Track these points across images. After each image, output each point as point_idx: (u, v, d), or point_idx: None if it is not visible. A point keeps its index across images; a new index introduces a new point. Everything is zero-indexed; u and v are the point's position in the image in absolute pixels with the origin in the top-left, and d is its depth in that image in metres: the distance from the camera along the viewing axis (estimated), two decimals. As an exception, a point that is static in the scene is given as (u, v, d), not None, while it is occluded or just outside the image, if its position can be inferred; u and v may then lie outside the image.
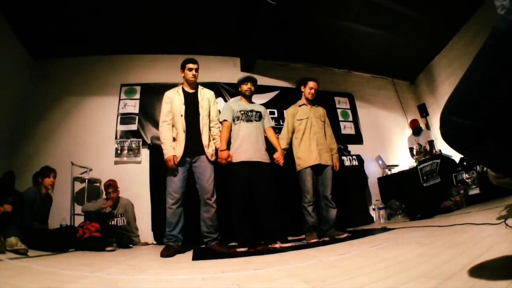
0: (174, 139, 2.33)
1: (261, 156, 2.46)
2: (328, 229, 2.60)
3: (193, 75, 2.41)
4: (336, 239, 2.40)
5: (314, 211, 2.58)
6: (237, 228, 2.32)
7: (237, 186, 2.36)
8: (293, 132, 2.80)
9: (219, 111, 2.64)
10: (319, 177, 2.69)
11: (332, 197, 2.65)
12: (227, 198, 2.47)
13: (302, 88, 2.89)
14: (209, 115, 2.47)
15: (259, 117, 2.60)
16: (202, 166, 2.33)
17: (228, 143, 2.49)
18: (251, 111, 2.58)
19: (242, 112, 2.54)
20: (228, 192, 2.40)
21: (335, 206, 2.65)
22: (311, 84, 2.83)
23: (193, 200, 2.37)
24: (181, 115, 2.33)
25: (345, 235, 2.47)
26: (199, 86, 2.52)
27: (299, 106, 2.86)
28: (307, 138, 2.71)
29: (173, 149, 2.27)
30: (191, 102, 2.40)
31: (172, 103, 2.37)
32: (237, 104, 2.63)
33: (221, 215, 2.42)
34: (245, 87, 2.61)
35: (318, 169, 2.66)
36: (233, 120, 2.54)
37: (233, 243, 2.54)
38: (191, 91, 2.46)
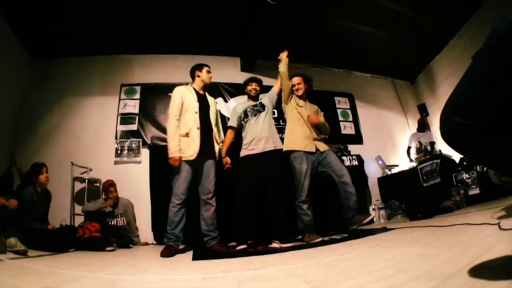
0: (186, 134, 2.27)
1: (273, 143, 2.48)
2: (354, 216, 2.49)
3: (210, 77, 2.51)
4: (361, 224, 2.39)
5: (309, 208, 2.50)
6: (240, 225, 2.31)
7: (246, 184, 2.36)
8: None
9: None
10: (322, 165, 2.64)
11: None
12: (227, 197, 2.48)
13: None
14: (216, 121, 2.52)
15: (263, 107, 2.62)
16: (207, 168, 2.34)
17: (235, 146, 2.57)
18: (255, 105, 2.61)
19: (249, 108, 2.59)
20: (235, 189, 2.40)
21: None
22: (294, 80, 2.80)
23: (192, 200, 2.36)
24: (196, 112, 2.32)
25: (369, 217, 2.44)
26: (206, 92, 2.57)
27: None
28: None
29: (179, 149, 2.22)
30: (203, 104, 2.43)
31: (185, 99, 2.35)
32: (242, 105, 2.67)
33: (221, 215, 2.42)
34: (249, 87, 2.66)
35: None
36: (242, 119, 2.59)
37: (233, 243, 2.54)
38: (201, 92, 2.49)
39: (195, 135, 2.26)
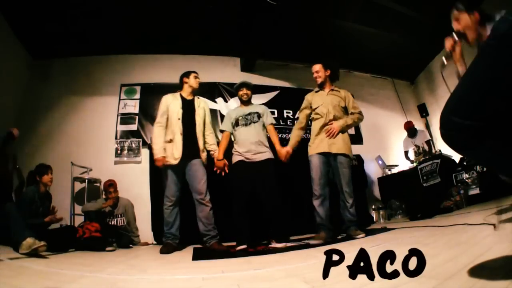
0: (170, 141, 2.41)
1: (262, 155, 2.47)
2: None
3: (198, 82, 2.61)
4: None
5: (321, 205, 2.39)
6: (237, 227, 2.32)
7: (239, 185, 2.37)
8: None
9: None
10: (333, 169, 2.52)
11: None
12: (225, 198, 2.49)
13: None
14: (204, 123, 2.58)
15: (258, 117, 2.58)
16: (193, 169, 2.42)
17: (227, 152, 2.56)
18: (249, 114, 2.58)
19: (240, 117, 2.58)
20: (230, 191, 2.42)
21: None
22: (313, 68, 2.68)
23: (191, 199, 2.42)
24: (178, 119, 2.45)
25: (362, 235, 2.32)
26: (196, 96, 2.65)
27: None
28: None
29: (163, 150, 2.36)
30: (188, 109, 2.53)
31: (169, 107, 2.49)
32: (236, 111, 2.66)
33: (219, 215, 2.45)
34: (241, 92, 2.65)
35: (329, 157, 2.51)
36: (233, 127, 2.59)
37: (232, 243, 2.54)
38: (188, 98, 2.59)
39: (178, 140, 2.40)
